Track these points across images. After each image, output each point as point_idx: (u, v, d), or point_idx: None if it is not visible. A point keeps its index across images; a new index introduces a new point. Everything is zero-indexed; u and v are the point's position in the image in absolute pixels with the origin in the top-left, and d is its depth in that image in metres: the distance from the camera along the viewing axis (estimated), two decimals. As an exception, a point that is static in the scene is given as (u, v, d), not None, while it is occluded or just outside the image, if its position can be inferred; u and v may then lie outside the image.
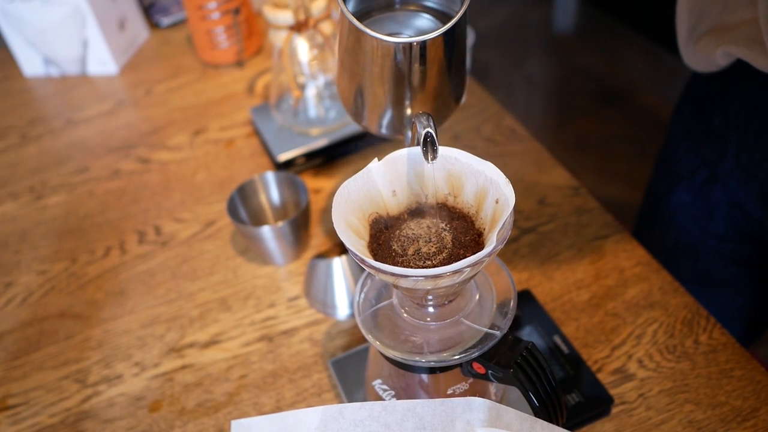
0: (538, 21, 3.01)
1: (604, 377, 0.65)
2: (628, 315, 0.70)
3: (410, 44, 0.45)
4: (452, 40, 0.47)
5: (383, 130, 0.56)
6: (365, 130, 0.59)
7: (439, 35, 0.45)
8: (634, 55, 2.57)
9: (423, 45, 0.45)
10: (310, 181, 0.91)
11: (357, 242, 0.46)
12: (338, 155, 0.95)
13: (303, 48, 0.90)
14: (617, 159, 2.18)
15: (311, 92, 0.95)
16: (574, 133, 2.33)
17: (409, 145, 0.55)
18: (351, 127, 0.94)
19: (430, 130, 0.47)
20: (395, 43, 0.45)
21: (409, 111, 0.52)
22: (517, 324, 0.69)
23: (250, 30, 1.17)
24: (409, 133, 0.55)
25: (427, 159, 0.48)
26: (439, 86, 0.50)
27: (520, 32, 2.92)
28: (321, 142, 0.92)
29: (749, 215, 0.77)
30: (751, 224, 0.78)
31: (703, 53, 0.71)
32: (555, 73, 2.71)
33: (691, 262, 0.88)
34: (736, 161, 0.74)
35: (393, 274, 0.43)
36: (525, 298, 0.72)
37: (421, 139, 0.48)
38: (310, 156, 0.92)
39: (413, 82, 0.49)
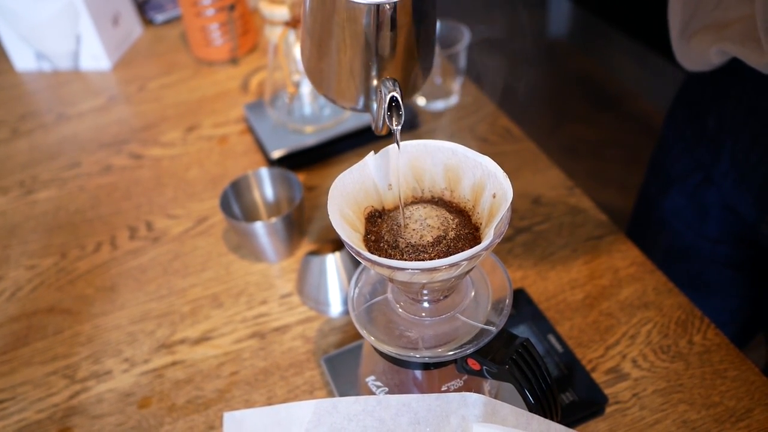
0: (533, 26, 3.02)
1: (598, 377, 0.65)
2: (622, 315, 0.70)
3: (378, 6, 0.44)
4: (421, 5, 0.47)
5: (353, 104, 0.55)
6: (332, 103, 0.57)
7: None
8: (627, 61, 2.58)
9: (393, 7, 0.44)
10: (304, 179, 0.91)
11: (352, 235, 0.46)
12: (332, 153, 0.94)
13: (298, 44, 0.90)
14: (610, 164, 2.19)
15: (306, 89, 0.94)
16: (568, 137, 2.33)
17: (376, 117, 0.53)
18: (345, 125, 0.93)
19: (395, 94, 0.47)
20: (365, 4, 0.44)
21: (375, 82, 0.51)
22: (511, 323, 0.69)
23: (244, 27, 1.17)
24: (375, 106, 0.54)
25: (391, 124, 0.47)
26: (408, 56, 0.49)
27: (514, 36, 2.93)
28: (315, 140, 0.92)
29: (743, 218, 0.77)
30: (745, 227, 0.78)
31: (696, 51, 0.71)
32: (549, 78, 2.72)
33: (684, 266, 0.87)
34: (731, 164, 0.74)
35: (389, 267, 0.42)
36: (519, 297, 0.72)
37: (386, 104, 0.47)
38: (304, 153, 0.92)
39: (381, 49, 0.47)
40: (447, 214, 0.48)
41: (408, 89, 0.52)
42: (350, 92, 0.53)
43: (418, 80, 0.54)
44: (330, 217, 0.45)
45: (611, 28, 2.62)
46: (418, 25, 0.48)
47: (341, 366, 0.66)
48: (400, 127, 0.47)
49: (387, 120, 0.47)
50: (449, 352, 0.49)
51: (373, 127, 0.55)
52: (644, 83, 2.49)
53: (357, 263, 0.71)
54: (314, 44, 0.52)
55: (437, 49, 1.00)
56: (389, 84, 0.48)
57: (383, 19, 0.45)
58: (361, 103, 0.54)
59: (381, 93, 0.48)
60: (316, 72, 0.55)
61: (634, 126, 2.34)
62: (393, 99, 0.47)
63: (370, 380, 0.57)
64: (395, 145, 0.49)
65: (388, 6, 0.44)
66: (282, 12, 0.84)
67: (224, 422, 0.46)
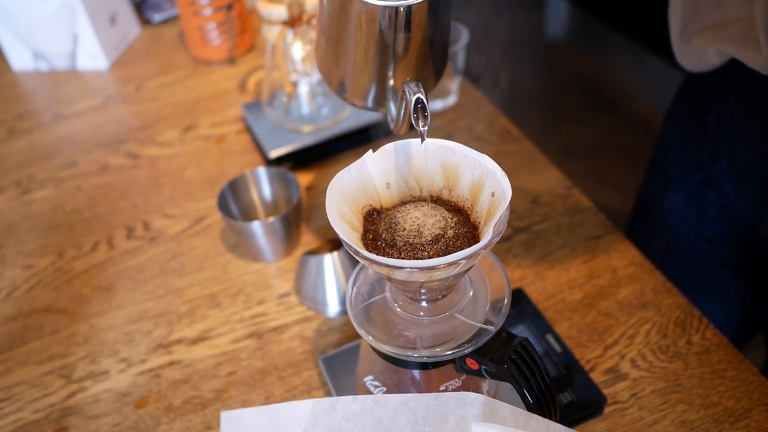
0: (530, 27, 3.02)
1: (596, 377, 0.65)
2: (620, 315, 0.70)
3: (396, 9, 0.45)
4: (436, 8, 0.47)
5: (366, 103, 0.56)
6: (348, 103, 0.58)
7: (424, 0, 0.45)
8: (625, 62, 2.58)
9: (408, 10, 0.45)
10: (302, 178, 0.91)
11: (350, 234, 0.45)
12: (330, 152, 0.94)
13: (296, 44, 0.89)
14: (608, 165, 2.19)
15: (304, 89, 0.94)
16: (566, 138, 2.33)
17: (396, 117, 0.54)
18: (343, 125, 0.93)
19: (421, 96, 0.47)
20: (382, 7, 0.44)
21: (391, 82, 0.52)
22: (509, 322, 0.69)
23: (242, 27, 1.17)
24: (392, 105, 0.54)
25: (417, 126, 0.47)
26: (422, 58, 0.50)
27: (512, 38, 2.93)
28: (313, 139, 0.91)
29: (742, 218, 0.77)
30: (744, 227, 0.78)
31: (696, 51, 0.71)
32: (547, 79, 2.72)
33: (683, 266, 0.87)
34: (730, 164, 0.74)
35: (387, 266, 0.42)
36: (518, 297, 0.71)
37: (412, 106, 0.47)
38: (301, 153, 0.92)
39: (397, 51, 0.49)
40: (445, 213, 0.48)
41: None
42: (365, 92, 0.54)
43: (431, 81, 0.55)
44: (328, 216, 0.44)
45: (609, 29, 2.62)
46: (432, 27, 0.49)
47: (339, 366, 0.66)
48: (426, 128, 0.48)
49: (414, 121, 0.48)
50: (447, 352, 0.49)
51: (391, 127, 0.56)
52: (642, 84, 2.50)
53: (355, 263, 0.71)
54: (330, 45, 0.52)
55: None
56: (413, 86, 0.48)
57: (399, 21, 0.46)
58: (375, 103, 0.55)
59: (405, 95, 0.49)
60: (330, 72, 0.55)
61: (632, 127, 2.34)
62: (419, 101, 0.47)
63: (368, 380, 0.57)
64: (393, 143, 0.49)
65: (403, 8, 0.45)
66: (280, 11, 0.84)
67: (221, 422, 0.46)
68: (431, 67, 0.52)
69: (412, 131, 0.49)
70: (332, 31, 0.50)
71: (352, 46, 0.49)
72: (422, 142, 0.48)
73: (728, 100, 0.72)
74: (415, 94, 0.48)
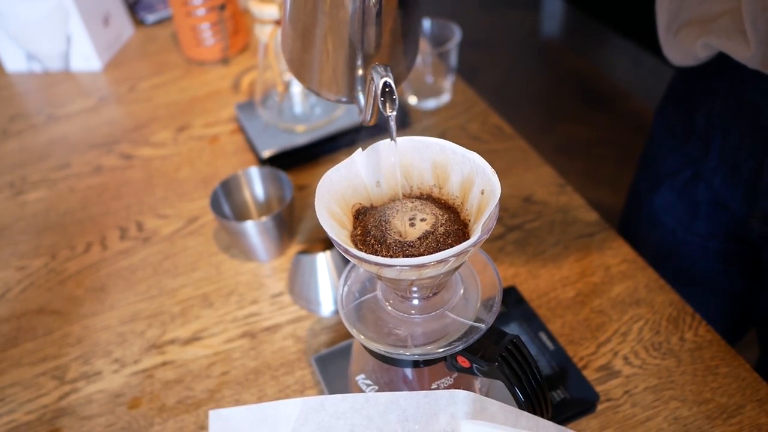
0: (526, 25, 3.02)
1: (589, 374, 0.65)
2: (613, 312, 0.70)
3: None
4: None
5: (339, 95, 0.54)
6: (315, 95, 0.56)
7: None
8: (620, 60, 2.58)
9: None
10: (295, 178, 0.91)
11: (340, 232, 0.45)
12: (323, 152, 0.94)
13: (289, 43, 0.89)
14: (602, 163, 2.19)
15: (297, 89, 0.94)
16: (560, 136, 2.34)
17: (365, 106, 0.52)
18: (336, 124, 0.93)
19: (388, 80, 0.46)
20: None
21: (360, 72, 0.50)
22: (502, 320, 0.69)
23: (235, 27, 1.17)
24: (361, 96, 0.52)
25: (385, 110, 0.46)
26: (393, 45, 0.49)
27: (507, 36, 2.93)
28: (306, 139, 0.91)
29: (733, 214, 0.77)
30: (736, 223, 0.78)
31: (683, 45, 0.71)
32: (541, 77, 2.72)
33: (675, 262, 0.87)
34: (720, 159, 0.74)
35: (376, 264, 0.42)
36: (510, 294, 0.71)
37: (379, 90, 0.46)
38: (294, 152, 0.92)
39: (366, 38, 0.47)
40: (436, 210, 0.48)
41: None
42: (335, 83, 0.52)
43: (402, 71, 0.54)
44: (317, 215, 0.44)
45: (604, 27, 2.62)
46: (403, 14, 0.48)
47: (332, 365, 0.66)
48: (394, 113, 0.46)
49: (381, 106, 0.46)
50: (439, 350, 0.49)
51: (361, 119, 0.53)
52: (637, 82, 2.50)
53: (347, 262, 0.71)
54: (297, 34, 0.51)
55: (429, 48, 1.00)
56: (381, 69, 0.46)
57: (369, 7, 0.45)
58: (345, 94, 0.53)
59: (372, 79, 0.47)
60: (299, 63, 0.54)
61: (626, 124, 2.35)
62: (386, 84, 0.46)
63: (360, 379, 0.57)
64: (383, 141, 0.49)
65: None
66: (271, 11, 0.84)
67: (210, 420, 0.46)
68: (403, 55, 0.51)
69: (399, 130, 0.48)
70: (300, 19, 0.49)
71: (320, 34, 0.48)
72: (391, 129, 0.47)
73: (717, 95, 0.72)
74: (382, 78, 0.46)
